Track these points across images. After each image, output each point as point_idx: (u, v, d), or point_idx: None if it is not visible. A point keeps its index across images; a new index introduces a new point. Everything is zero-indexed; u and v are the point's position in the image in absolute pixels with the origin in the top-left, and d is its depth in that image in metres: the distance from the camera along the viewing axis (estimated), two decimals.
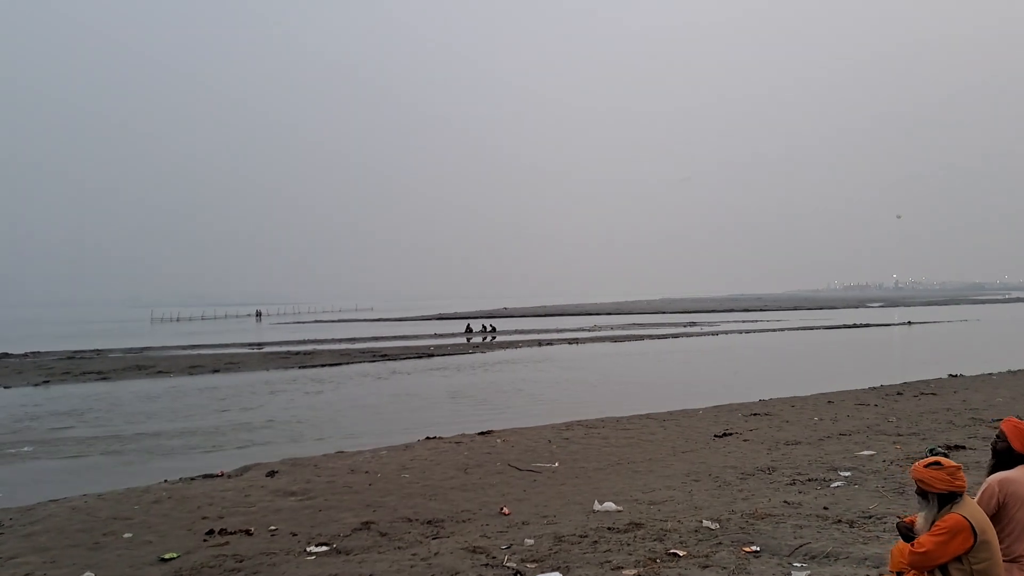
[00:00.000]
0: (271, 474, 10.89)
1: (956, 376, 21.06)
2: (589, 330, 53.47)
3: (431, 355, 34.55)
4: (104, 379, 26.11)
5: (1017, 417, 4.34)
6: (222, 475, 11.06)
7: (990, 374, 21.29)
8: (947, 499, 3.81)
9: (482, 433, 14.04)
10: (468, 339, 47.23)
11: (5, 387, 24.06)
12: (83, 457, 13.55)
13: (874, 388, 19.09)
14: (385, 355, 34.43)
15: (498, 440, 13.28)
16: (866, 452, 11.09)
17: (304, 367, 29.88)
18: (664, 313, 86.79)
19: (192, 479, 10.83)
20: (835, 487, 9.02)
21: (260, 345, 43.37)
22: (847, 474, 9.63)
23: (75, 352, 38.40)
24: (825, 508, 7.95)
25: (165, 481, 10.76)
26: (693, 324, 59.45)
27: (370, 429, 15.78)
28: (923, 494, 3.86)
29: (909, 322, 58.22)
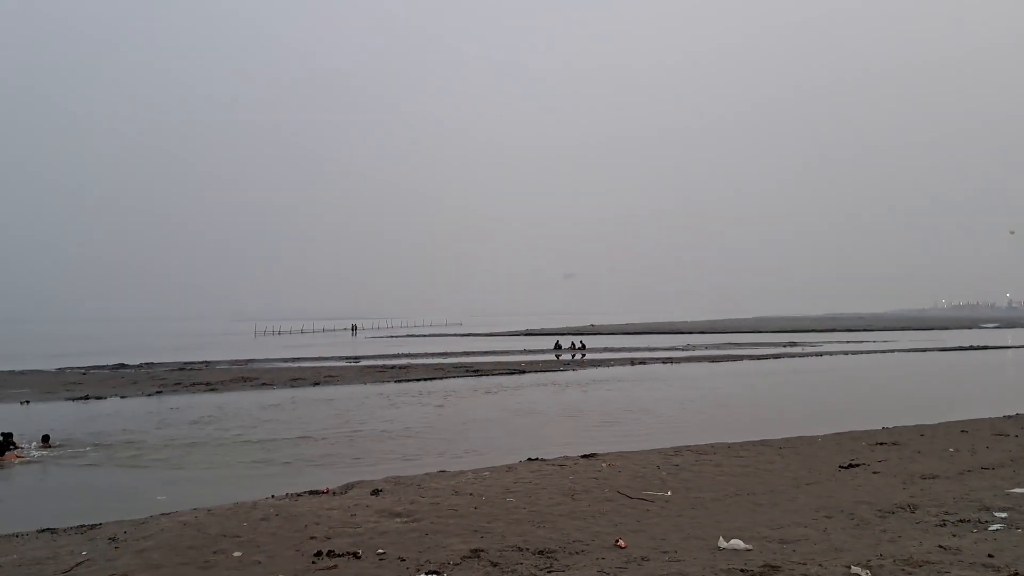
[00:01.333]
0: (375, 492, 10.65)
1: None
2: (683, 349, 51.99)
3: (523, 371, 34.18)
4: (212, 390, 26.89)
5: None
6: (328, 492, 10.90)
7: None
8: None
9: (585, 456, 13.47)
10: (558, 356, 46.70)
11: (122, 397, 25.10)
12: (181, 469, 13.73)
13: (1010, 417, 17.51)
14: (478, 370, 34.30)
15: (603, 464, 12.68)
16: (1019, 490, 9.99)
17: (400, 381, 30.03)
18: (760, 332, 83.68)
19: (299, 495, 10.69)
20: (994, 530, 8.07)
21: (357, 359, 44.08)
22: (1003, 515, 8.65)
23: (185, 364, 39.95)
24: (990, 556, 7.07)
25: (272, 496, 10.66)
26: (793, 344, 56.93)
27: (470, 447, 15.46)
28: None
29: None
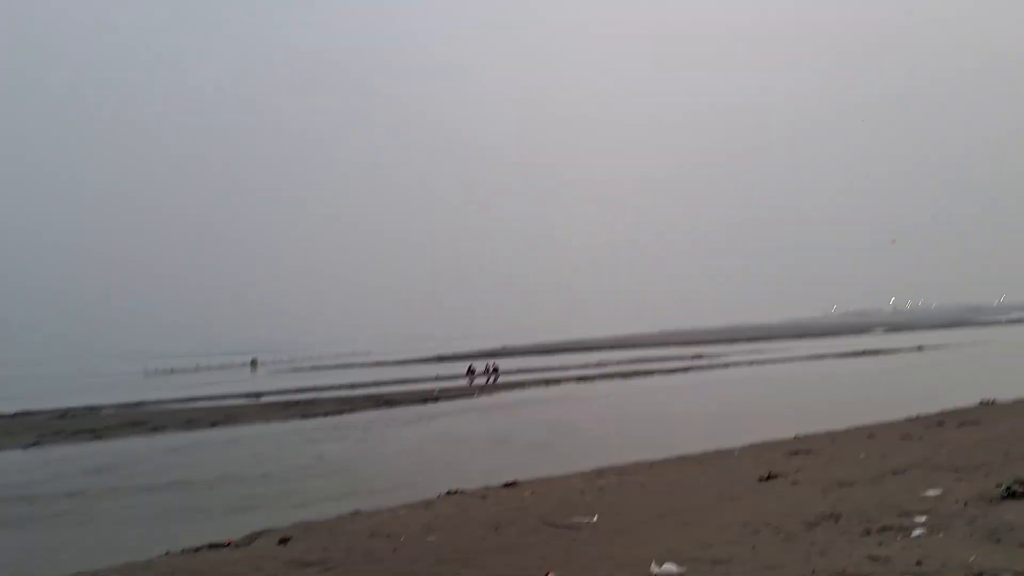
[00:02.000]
0: (283, 541, 9.88)
1: (990, 403, 20.13)
2: (595, 366, 52.38)
3: (436, 399, 33.44)
4: (99, 438, 24.93)
5: None
6: (230, 544, 10.04)
7: None
8: None
9: (507, 484, 13.04)
10: (471, 381, 46.05)
11: None
12: (62, 528, 12.50)
13: (912, 419, 18.14)
14: (389, 401, 33.27)
15: (526, 492, 12.29)
16: (932, 492, 10.16)
17: (306, 416, 28.77)
18: (667, 346, 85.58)
19: (197, 550, 9.79)
20: (918, 536, 8.09)
21: (258, 395, 42.12)
22: (923, 519, 8.71)
23: (67, 409, 37.10)
24: (919, 563, 7.02)
25: (168, 553, 9.72)
26: (700, 357, 58.37)
27: (384, 484, 14.75)
28: None
29: (920, 347, 57.30)
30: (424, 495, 12.81)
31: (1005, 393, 21.72)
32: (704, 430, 19.45)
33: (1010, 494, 9.27)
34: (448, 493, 12.75)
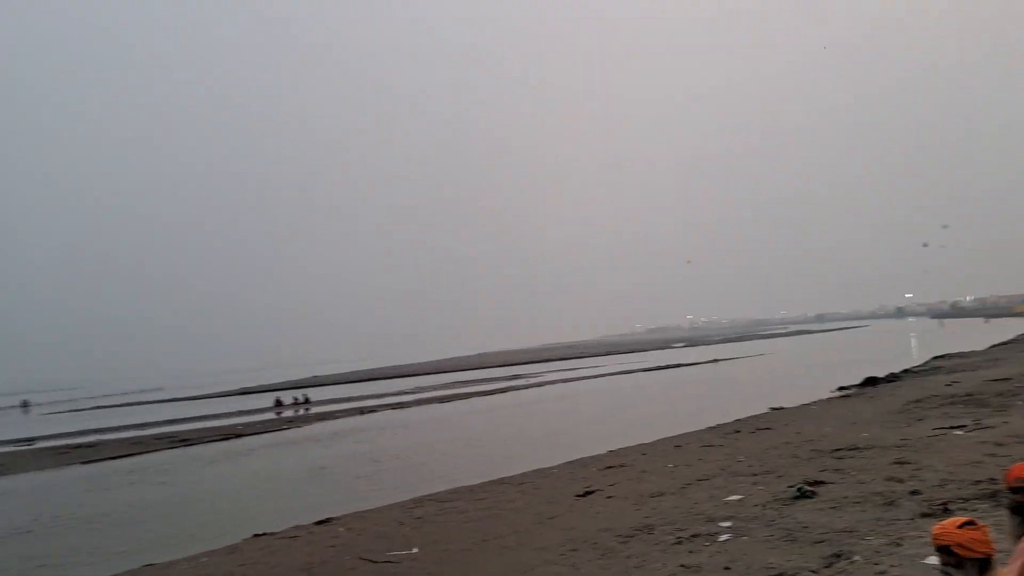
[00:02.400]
0: None
1: (778, 409, 21.93)
2: (412, 392, 51.71)
3: (240, 435, 31.32)
4: None
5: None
6: None
7: (808, 404, 22.41)
8: (985, 566, 2.99)
9: (319, 522, 12.28)
10: (279, 413, 43.70)
11: None
12: None
13: (712, 428, 19.30)
14: (186, 440, 30.67)
15: (340, 528, 11.62)
16: (734, 497, 10.70)
17: (88, 462, 25.87)
18: (484, 368, 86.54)
19: None
20: (724, 541, 8.42)
21: (31, 440, 37.53)
22: (727, 524, 9.11)
23: None
24: (727, 568, 7.29)
25: None
26: (517, 377, 59.52)
27: (180, 531, 13.43)
28: (958, 563, 2.98)
29: (715, 359, 62.00)
30: (228, 540, 11.77)
31: (793, 399, 23.82)
32: (523, 450, 19.60)
33: (801, 494, 9.95)
34: (255, 536, 11.80)
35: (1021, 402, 15.83)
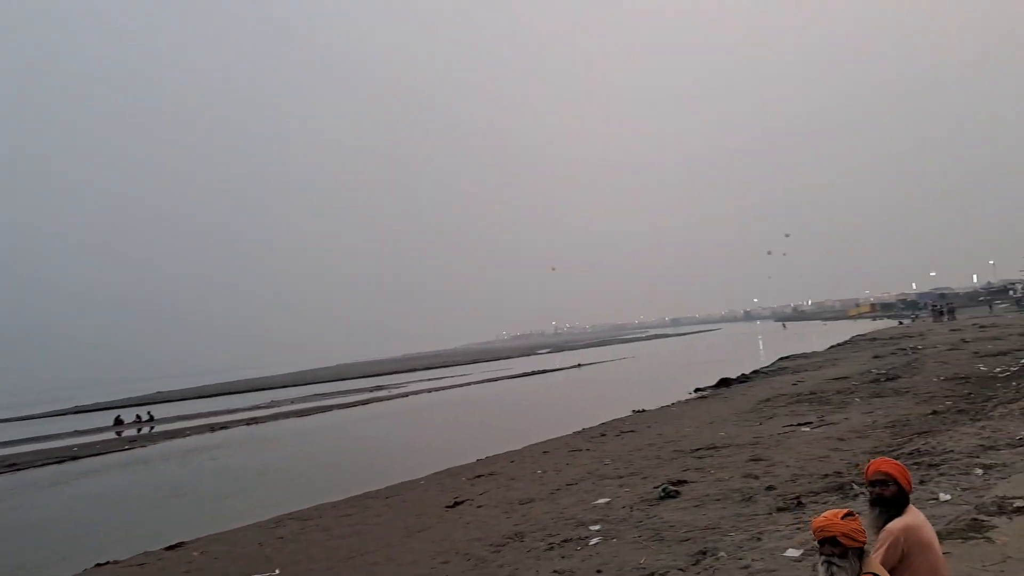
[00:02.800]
0: None
1: (640, 411, 22.61)
2: (267, 406, 49.53)
3: (76, 457, 28.87)
4: None
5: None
6: None
7: (668, 406, 23.22)
8: (861, 554, 3.13)
9: (171, 547, 11.40)
10: (119, 433, 40.61)
11: None
12: None
13: (578, 432, 19.58)
14: (13, 464, 27.89)
15: (194, 553, 10.83)
16: (602, 500, 10.86)
17: None
18: (345, 379, 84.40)
19: None
20: (594, 544, 8.48)
21: None
22: (597, 527, 9.20)
23: None
24: (599, 571, 7.32)
25: None
26: (380, 388, 58.39)
27: (7, 564, 12.07)
28: (843, 553, 3.10)
29: (579, 364, 63.41)
30: (67, 572, 10.71)
31: (653, 402, 24.62)
32: (388, 463, 19.10)
33: (666, 495, 10.22)
34: (98, 565, 10.80)
35: (859, 399, 17.08)
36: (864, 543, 3.10)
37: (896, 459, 3.86)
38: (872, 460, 3.73)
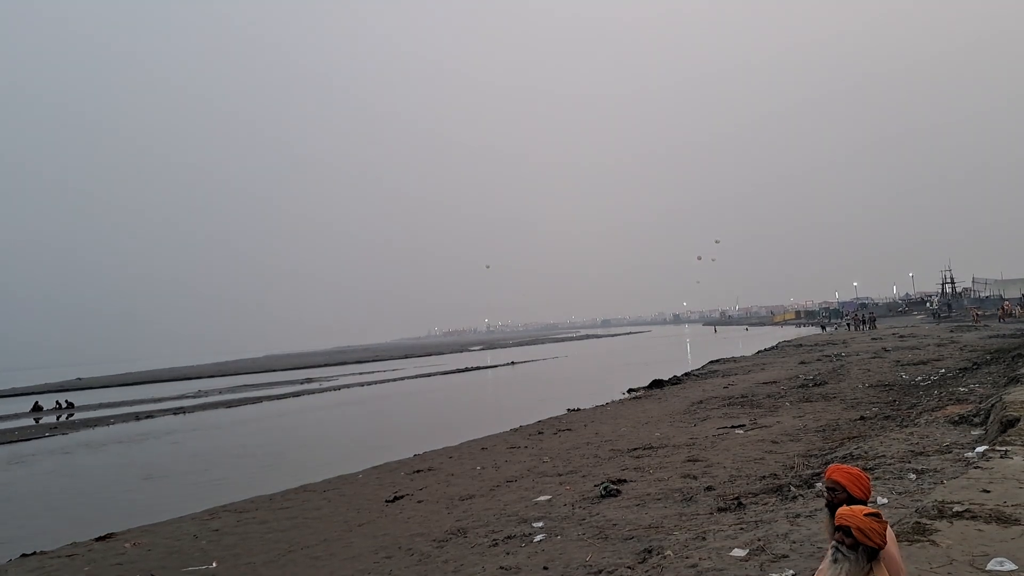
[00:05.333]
0: None
1: (576, 410, 22.84)
2: (195, 396, 48.25)
3: None
4: None
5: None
6: None
7: (603, 406, 23.53)
8: (873, 555, 3.25)
9: (100, 538, 11.00)
10: (38, 420, 39.01)
11: None
12: None
13: (515, 430, 19.67)
14: None
15: (125, 544, 10.47)
16: (543, 497, 10.95)
17: None
18: (273, 371, 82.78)
19: None
20: (539, 541, 8.55)
21: None
22: (540, 524, 9.28)
23: None
24: (546, 568, 7.39)
25: None
26: (310, 380, 57.44)
27: None
28: (853, 546, 3.22)
29: (512, 362, 63.69)
30: None
31: (587, 401, 24.90)
32: (324, 456, 18.87)
33: (607, 493, 10.37)
34: (23, 556, 10.35)
35: (789, 403, 17.66)
36: (880, 546, 3.19)
37: (836, 463, 4.01)
38: (831, 465, 3.88)
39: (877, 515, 3.23)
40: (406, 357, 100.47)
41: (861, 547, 3.18)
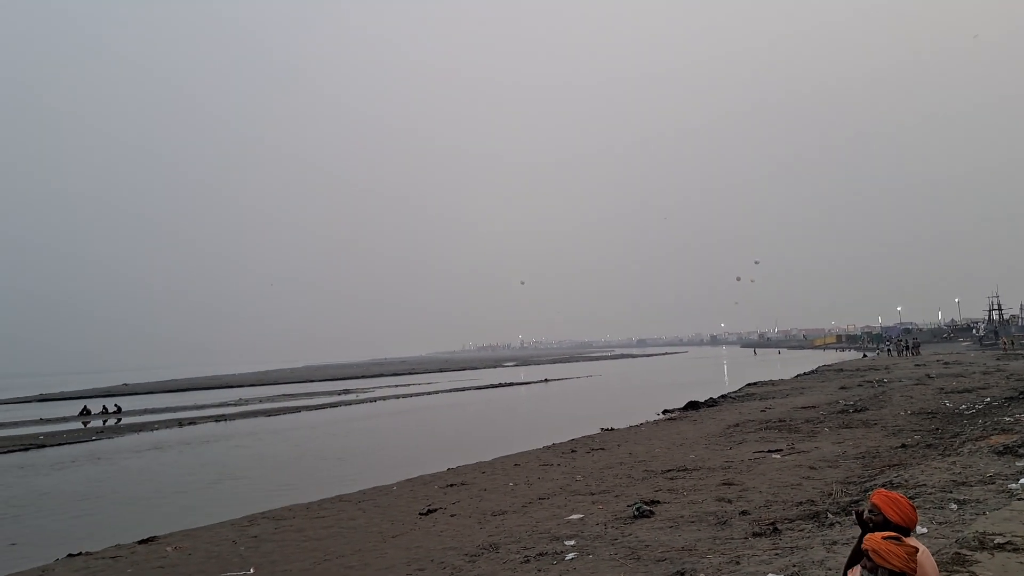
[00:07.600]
0: None
1: (610, 430, 22.76)
2: (235, 404, 49.04)
3: (41, 446, 28.41)
4: None
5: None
6: None
7: (637, 426, 23.41)
8: None
9: (143, 541, 11.30)
10: (86, 423, 40.03)
11: None
12: None
13: (548, 447, 19.68)
14: None
15: (167, 548, 10.75)
16: (575, 516, 10.96)
17: None
18: (312, 381, 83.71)
19: None
20: (570, 560, 8.57)
21: None
22: (572, 543, 9.30)
23: None
24: None
25: None
26: (348, 391, 58.02)
27: None
28: (873, 569, 3.25)
29: (546, 379, 63.54)
30: (39, 561, 10.59)
31: (622, 420, 24.79)
32: (358, 467, 19.10)
33: (640, 514, 10.35)
34: (70, 556, 10.68)
35: (828, 429, 17.40)
36: (899, 568, 3.19)
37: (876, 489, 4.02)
38: (875, 491, 3.89)
39: (897, 538, 3.24)
40: (441, 371, 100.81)
41: (881, 570, 3.19)
